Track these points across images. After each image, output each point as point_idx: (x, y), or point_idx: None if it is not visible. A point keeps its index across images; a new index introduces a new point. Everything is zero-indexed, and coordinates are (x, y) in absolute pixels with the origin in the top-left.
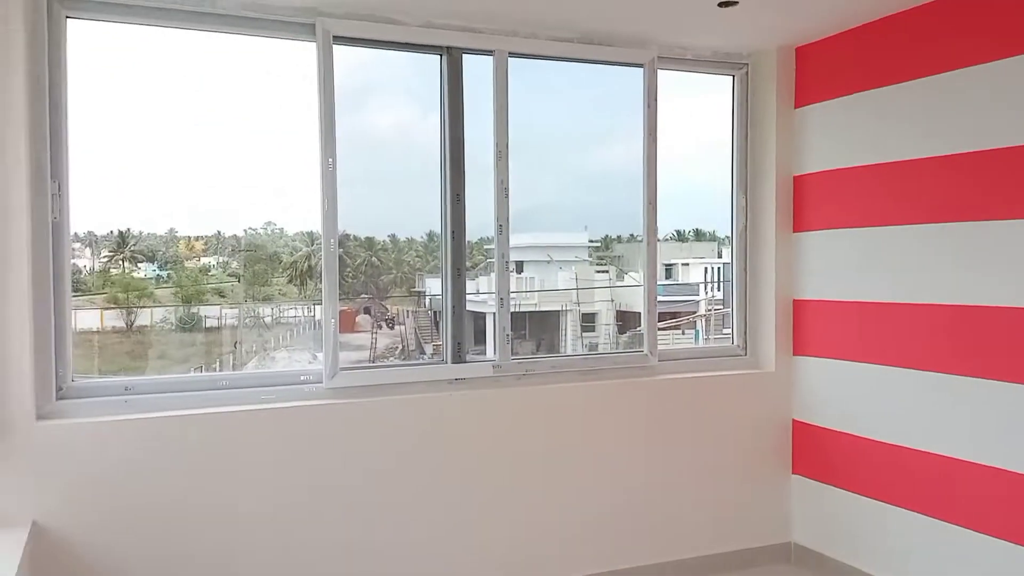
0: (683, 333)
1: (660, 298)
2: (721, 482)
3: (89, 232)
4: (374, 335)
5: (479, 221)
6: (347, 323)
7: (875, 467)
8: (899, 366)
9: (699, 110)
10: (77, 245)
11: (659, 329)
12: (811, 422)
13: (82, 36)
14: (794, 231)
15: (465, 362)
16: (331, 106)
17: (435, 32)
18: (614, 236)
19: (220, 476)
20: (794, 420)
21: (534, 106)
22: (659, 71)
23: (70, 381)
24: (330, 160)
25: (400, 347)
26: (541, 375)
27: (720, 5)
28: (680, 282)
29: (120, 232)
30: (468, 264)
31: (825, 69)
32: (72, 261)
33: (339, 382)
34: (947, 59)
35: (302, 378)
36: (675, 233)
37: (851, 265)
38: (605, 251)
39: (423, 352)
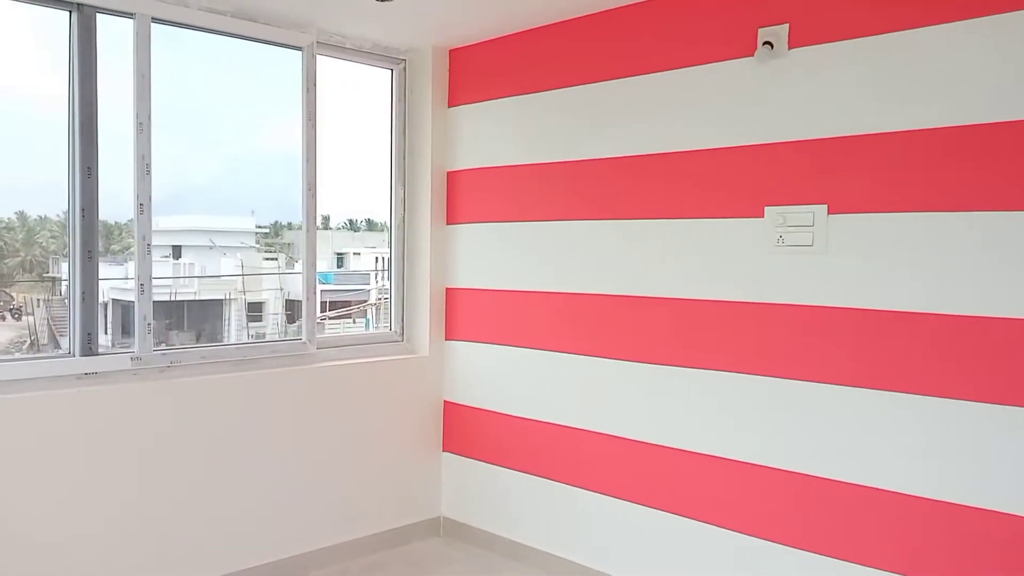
0: (354, 322)
1: (332, 287)
2: (378, 464)
3: None
4: None
5: (126, 201)
6: None
7: (514, 440)
8: (528, 347)
9: (363, 101)
10: None
11: (332, 318)
12: (459, 402)
13: None
14: (447, 223)
15: (97, 355)
16: None
17: None
18: (284, 223)
19: None
20: (445, 401)
21: (192, 81)
22: (321, 57)
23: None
24: None
25: (29, 340)
26: (190, 366)
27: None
28: (352, 271)
29: None
30: (117, 248)
31: (475, 72)
32: None
33: None
34: (576, 74)
35: None
36: (348, 222)
37: (493, 256)
38: (275, 238)
39: (58, 346)
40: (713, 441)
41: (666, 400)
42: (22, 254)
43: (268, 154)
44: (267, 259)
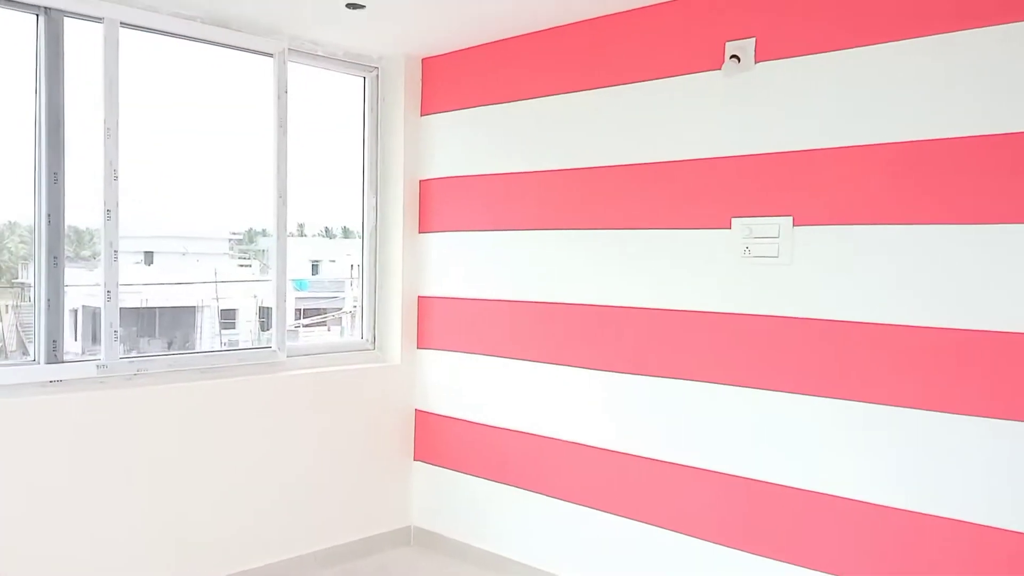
0: (329, 330)
1: (307, 294)
2: (348, 473)
3: None
4: None
5: (94, 206)
6: None
7: (484, 449)
8: (498, 355)
9: (340, 108)
10: None
11: (306, 325)
12: (430, 410)
13: None
14: (419, 232)
15: (63, 362)
16: None
17: None
18: (259, 230)
19: None
20: (416, 409)
21: (162, 86)
22: (292, 64)
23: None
24: None
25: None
26: (157, 374)
27: (348, 6)
28: (327, 279)
29: None
30: (88, 253)
31: (448, 81)
32: None
33: None
34: (547, 85)
35: None
36: (324, 229)
37: (465, 265)
38: (248, 244)
39: (27, 352)
40: (679, 449)
41: (633, 408)
42: None
43: (242, 160)
44: (241, 266)
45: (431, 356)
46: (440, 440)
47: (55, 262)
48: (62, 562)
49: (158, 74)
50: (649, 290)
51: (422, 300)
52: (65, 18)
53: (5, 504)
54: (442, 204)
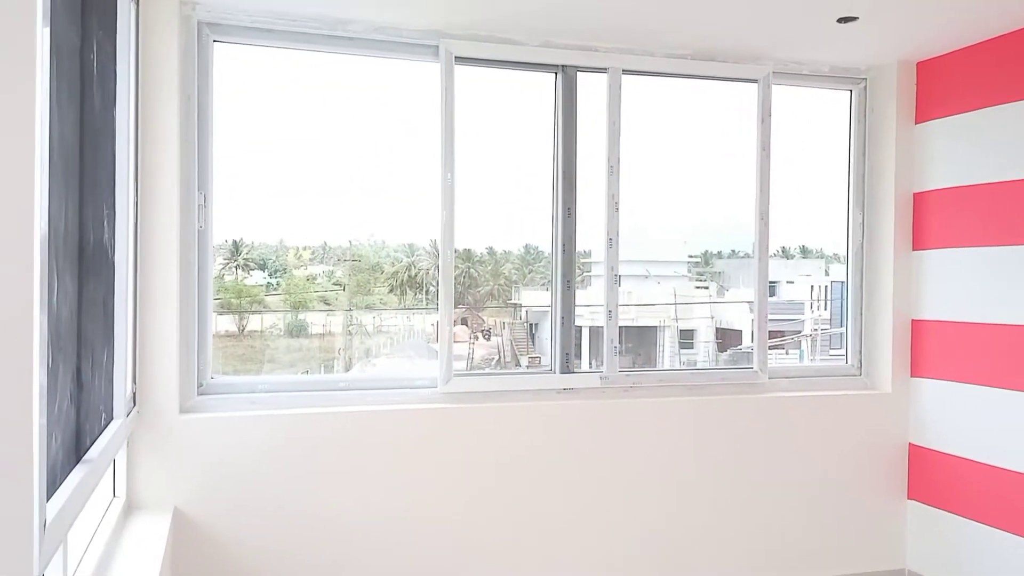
0: (787, 353)
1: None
2: (833, 504)
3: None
4: (471, 346)
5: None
6: None
7: (995, 495)
8: (1017, 390)
9: (808, 125)
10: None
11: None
12: (929, 446)
13: (226, 58)
14: (913, 249)
15: (573, 372)
16: (451, 123)
17: (552, 51)
18: (714, 252)
19: (343, 471)
20: (910, 444)
21: (640, 119)
22: (776, 86)
23: (209, 378)
24: (449, 175)
25: (496, 358)
26: (648, 388)
27: (840, 21)
28: (784, 300)
29: (234, 241)
30: (619, 275)
31: (947, 84)
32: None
33: (453, 387)
34: None
35: (417, 382)
36: (781, 250)
37: (974, 285)
38: (705, 267)
39: (518, 363)
40: None
41: None
42: (491, 283)
43: (706, 186)
44: (698, 287)
45: (928, 386)
46: (939, 479)
47: (567, 285)
48: (550, 546)
49: (651, 112)
50: None
51: (916, 324)
52: (578, 72)
53: (526, 487)
54: (941, 217)
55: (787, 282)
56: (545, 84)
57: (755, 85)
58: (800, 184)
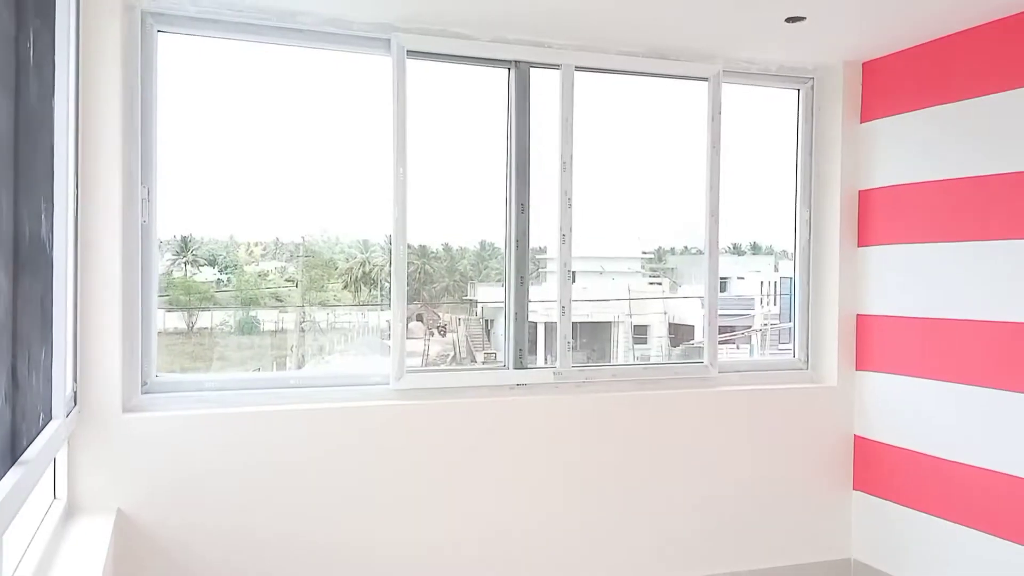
0: (737, 347)
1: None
2: (781, 495)
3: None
4: (426, 342)
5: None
6: None
7: (938, 485)
8: (962, 383)
9: (757, 124)
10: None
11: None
12: (873, 438)
13: (171, 49)
14: (859, 245)
15: (526, 368)
16: (403, 118)
17: (504, 47)
18: (667, 248)
19: (292, 470)
20: (856, 436)
21: (593, 116)
22: (726, 84)
23: (154, 377)
24: (401, 170)
25: (452, 354)
26: (601, 383)
27: (787, 20)
28: (735, 296)
29: (183, 237)
30: (571, 271)
31: (892, 84)
32: None
33: (405, 383)
34: (1017, 77)
35: (370, 379)
36: (732, 246)
37: (917, 280)
38: (659, 263)
39: (474, 359)
40: None
41: None
42: (446, 279)
43: (659, 183)
44: (651, 283)
45: (873, 379)
46: (885, 471)
47: (521, 281)
48: (511, 545)
49: (604, 109)
50: None
51: (862, 319)
52: (531, 68)
53: (467, 489)
54: (885, 215)
55: (738, 278)
56: (498, 79)
57: (705, 84)
58: (750, 182)
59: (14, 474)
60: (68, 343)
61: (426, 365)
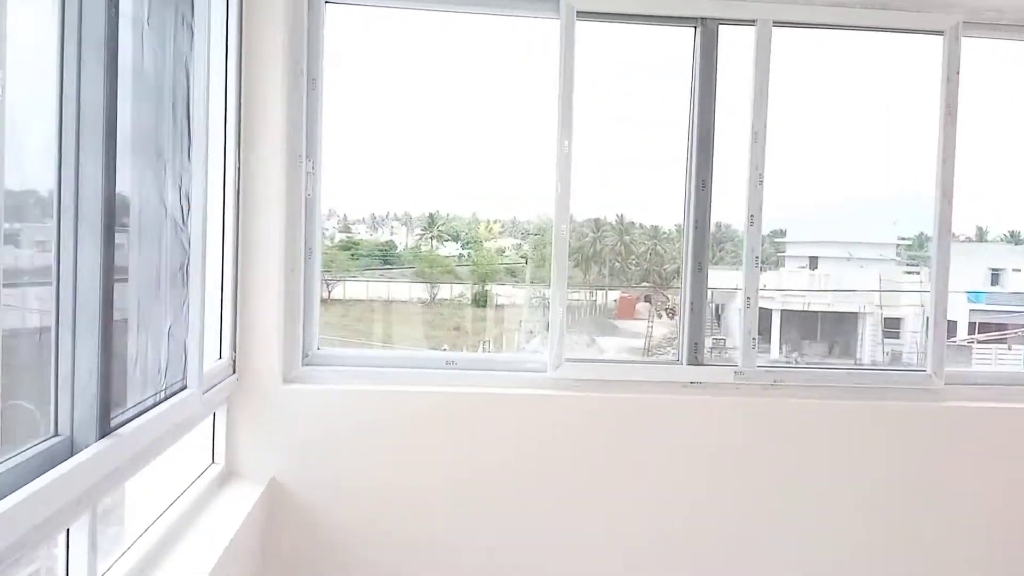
0: (1010, 349)
1: (981, 307)
2: (1014, 540)
3: (405, 213)
4: (650, 324)
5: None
6: (627, 309)
7: None
8: None
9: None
10: (395, 224)
11: (979, 343)
12: None
13: (339, 20)
14: None
15: (702, 364)
16: (570, 87)
17: (690, 3)
18: (929, 235)
19: (441, 451)
20: None
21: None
22: (965, 39)
23: (315, 349)
24: (566, 143)
25: (677, 338)
26: (792, 387)
27: None
28: (1010, 290)
29: (430, 214)
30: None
31: None
32: (390, 238)
33: (563, 373)
34: None
35: (528, 365)
36: (1008, 234)
37: None
38: (918, 250)
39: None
40: None
41: None
42: (677, 261)
43: (909, 158)
44: (907, 272)
45: None
46: None
47: (699, 267)
48: (659, 548)
49: (806, 72)
50: None
51: None
52: (720, 26)
53: (624, 490)
54: None
55: (1013, 270)
56: (681, 40)
57: (940, 38)
58: (1013, 157)
59: (116, 444)
60: (214, 314)
61: (649, 348)
